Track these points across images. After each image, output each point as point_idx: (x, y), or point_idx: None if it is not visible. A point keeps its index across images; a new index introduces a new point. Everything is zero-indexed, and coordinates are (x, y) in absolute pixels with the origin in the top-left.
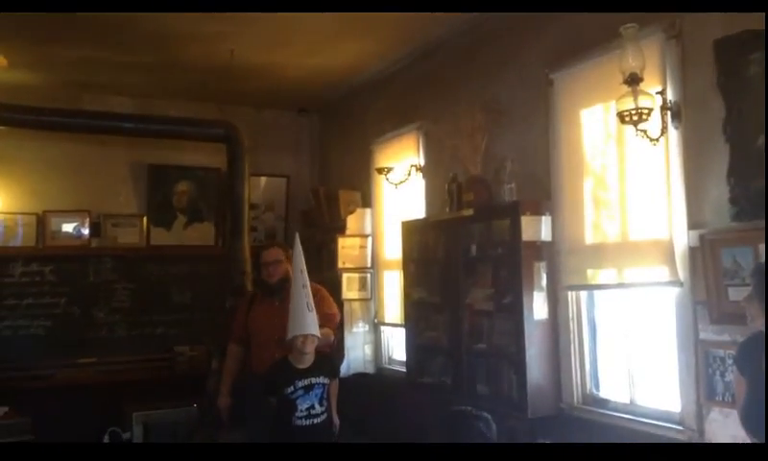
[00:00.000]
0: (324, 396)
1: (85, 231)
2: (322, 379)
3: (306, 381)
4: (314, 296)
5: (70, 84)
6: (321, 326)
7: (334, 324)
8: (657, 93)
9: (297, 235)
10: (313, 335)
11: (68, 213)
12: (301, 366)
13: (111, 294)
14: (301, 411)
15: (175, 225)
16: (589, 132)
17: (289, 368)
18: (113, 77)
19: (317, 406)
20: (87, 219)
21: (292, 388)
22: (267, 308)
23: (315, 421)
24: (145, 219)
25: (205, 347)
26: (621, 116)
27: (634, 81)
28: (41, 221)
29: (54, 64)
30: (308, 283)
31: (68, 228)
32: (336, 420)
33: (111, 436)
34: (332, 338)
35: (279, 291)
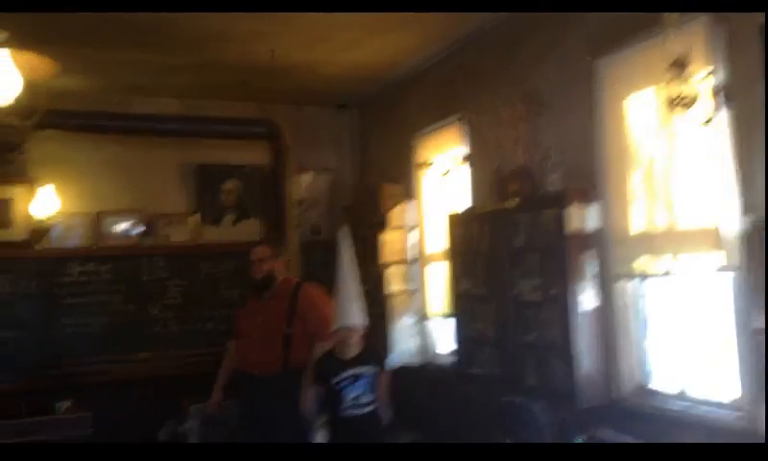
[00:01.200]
0: (372, 386)
1: (138, 231)
2: (368, 369)
3: (352, 371)
4: (303, 300)
5: (118, 87)
6: (313, 340)
7: (326, 333)
8: (704, 77)
9: (344, 228)
10: (358, 326)
11: (121, 213)
12: (347, 356)
13: (164, 291)
14: (348, 401)
15: (223, 222)
16: (636, 118)
17: (335, 359)
18: (158, 79)
19: (364, 396)
20: (140, 219)
21: (338, 378)
22: (253, 305)
23: (362, 410)
24: (195, 217)
25: None
26: (668, 102)
27: (680, 66)
28: (96, 221)
29: (102, 68)
30: (351, 274)
31: (122, 228)
32: (386, 412)
33: (170, 428)
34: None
35: (264, 288)
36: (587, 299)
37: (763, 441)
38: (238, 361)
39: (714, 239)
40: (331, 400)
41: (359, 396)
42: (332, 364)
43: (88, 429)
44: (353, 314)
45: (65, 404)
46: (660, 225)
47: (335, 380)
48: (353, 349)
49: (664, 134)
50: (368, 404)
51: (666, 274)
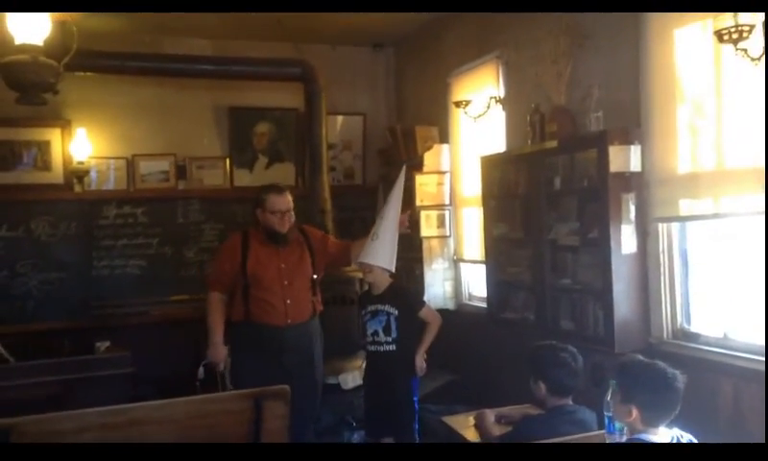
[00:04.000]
0: (393, 326)
1: (172, 174)
2: (387, 308)
3: (373, 307)
4: (313, 241)
5: (151, 27)
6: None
7: (342, 247)
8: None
9: (403, 170)
10: (368, 264)
11: (155, 157)
12: (374, 292)
13: (200, 234)
14: (369, 336)
15: (256, 166)
16: (684, 53)
17: (367, 293)
18: (191, 19)
19: (381, 334)
20: (174, 162)
21: (364, 311)
22: (270, 253)
23: (380, 348)
24: (228, 161)
25: None
26: (719, 35)
27: None
28: (131, 165)
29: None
30: (387, 216)
31: (156, 171)
32: (418, 361)
33: (205, 368)
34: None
35: (286, 240)
36: (626, 242)
37: None
38: (255, 312)
39: (762, 180)
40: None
41: (376, 332)
42: (364, 297)
43: (128, 368)
44: (368, 252)
45: (105, 344)
46: (706, 165)
47: (362, 312)
48: (381, 287)
49: (714, 70)
50: (386, 343)
51: (710, 216)
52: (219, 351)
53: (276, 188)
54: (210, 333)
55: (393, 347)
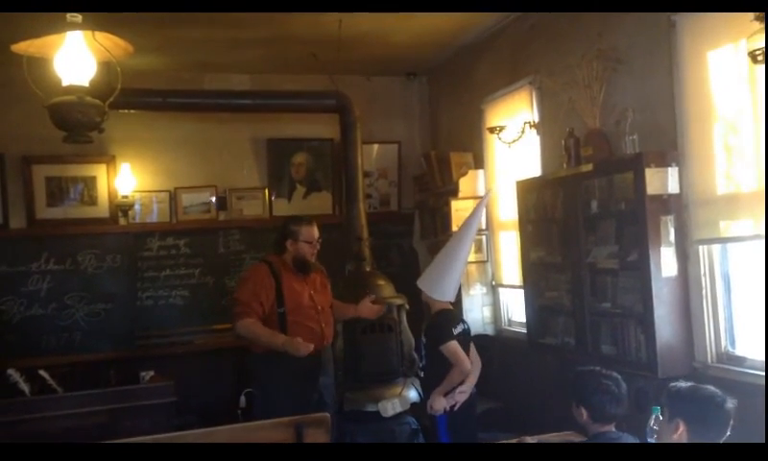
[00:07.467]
0: (422, 352)
1: (213, 206)
2: (423, 337)
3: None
4: (323, 274)
5: (191, 65)
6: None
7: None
8: None
9: (487, 194)
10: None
11: (197, 189)
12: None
13: (240, 263)
14: None
15: (294, 196)
16: (718, 74)
17: None
18: (230, 55)
19: (421, 361)
20: (215, 194)
21: None
22: (300, 281)
23: (420, 373)
24: (266, 191)
25: None
26: (753, 56)
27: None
28: (173, 197)
29: (175, 47)
30: (449, 243)
31: (197, 203)
32: (431, 397)
33: (247, 396)
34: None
35: (315, 268)
36: (666, 265)
37: None
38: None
39: None
40: None
41: (419, 358)
42: None
43: (171, 397)
44: (421, 276)
45: (149, 374)
46: (745, 186)
47: None
48: (432, 311)
49: (749, 90)
50: (420, 368)
51: (750, 237)
52: (298, 343)
53: (307, 219)
54: (273, 338)
55: (422, 373)
